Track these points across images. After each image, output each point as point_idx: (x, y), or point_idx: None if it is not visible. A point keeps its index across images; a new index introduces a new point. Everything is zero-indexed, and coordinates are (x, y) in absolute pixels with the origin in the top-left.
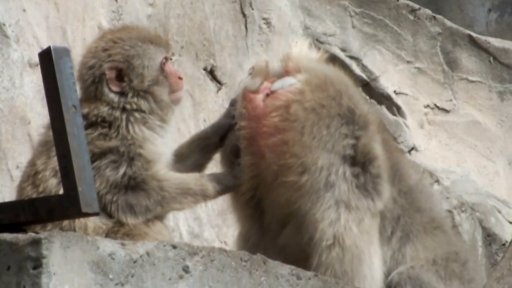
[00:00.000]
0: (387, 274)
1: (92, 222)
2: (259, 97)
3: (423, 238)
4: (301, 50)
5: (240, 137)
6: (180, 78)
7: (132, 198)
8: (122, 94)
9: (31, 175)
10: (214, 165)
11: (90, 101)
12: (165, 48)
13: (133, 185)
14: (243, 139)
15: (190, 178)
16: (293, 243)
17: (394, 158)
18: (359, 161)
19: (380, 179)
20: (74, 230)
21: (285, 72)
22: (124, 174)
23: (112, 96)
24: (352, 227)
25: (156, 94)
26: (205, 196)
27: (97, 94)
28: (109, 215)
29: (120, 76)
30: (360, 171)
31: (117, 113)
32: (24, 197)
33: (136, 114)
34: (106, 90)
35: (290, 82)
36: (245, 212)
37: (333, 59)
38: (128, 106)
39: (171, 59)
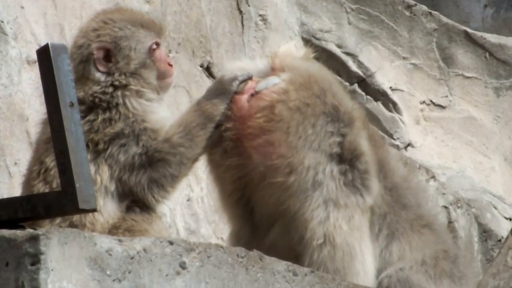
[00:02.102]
0: (378, 271)
1: (102, 216)
2: (244, 98)
3: (410, 237)
4: (287, 48)
5: (226, 139)
6: (170, 65)
7: (153, 172)
8: (108, 74)
9: (42, 172)
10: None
11: (81, 81)
12: (157, 33)
13: (148, 160)
14: (229, 140)
15: (189, 114)
16: (282, 242)
17: (380, 154)
18: (346, 158)
19: (368, 174)
20: (84, 225)
21: (272, 71)
22: (135, 154)
23: (98, 75)
24: (342, 225)
25: (145, 77)
26: (211, 119)
27: (85, 73)
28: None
29: (108, 56)
30: (348, 168)
31: (110, 90)
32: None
33: (131, 87)
34: (93, 69)
35: (274, 82)
36: (235, 212)
37: (329, 55)
38: (116, 83)
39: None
